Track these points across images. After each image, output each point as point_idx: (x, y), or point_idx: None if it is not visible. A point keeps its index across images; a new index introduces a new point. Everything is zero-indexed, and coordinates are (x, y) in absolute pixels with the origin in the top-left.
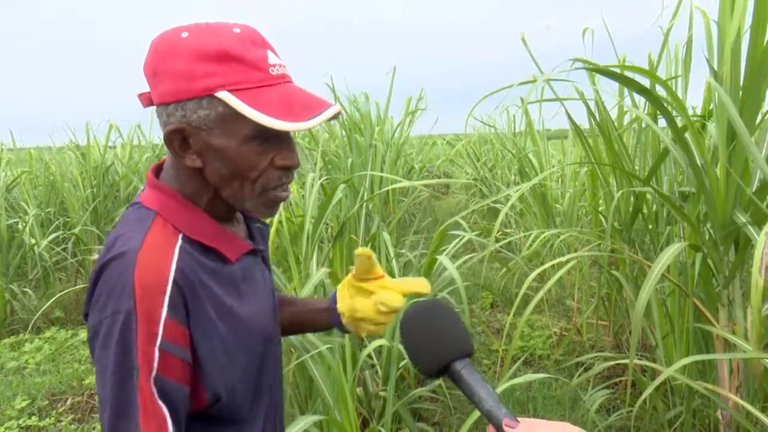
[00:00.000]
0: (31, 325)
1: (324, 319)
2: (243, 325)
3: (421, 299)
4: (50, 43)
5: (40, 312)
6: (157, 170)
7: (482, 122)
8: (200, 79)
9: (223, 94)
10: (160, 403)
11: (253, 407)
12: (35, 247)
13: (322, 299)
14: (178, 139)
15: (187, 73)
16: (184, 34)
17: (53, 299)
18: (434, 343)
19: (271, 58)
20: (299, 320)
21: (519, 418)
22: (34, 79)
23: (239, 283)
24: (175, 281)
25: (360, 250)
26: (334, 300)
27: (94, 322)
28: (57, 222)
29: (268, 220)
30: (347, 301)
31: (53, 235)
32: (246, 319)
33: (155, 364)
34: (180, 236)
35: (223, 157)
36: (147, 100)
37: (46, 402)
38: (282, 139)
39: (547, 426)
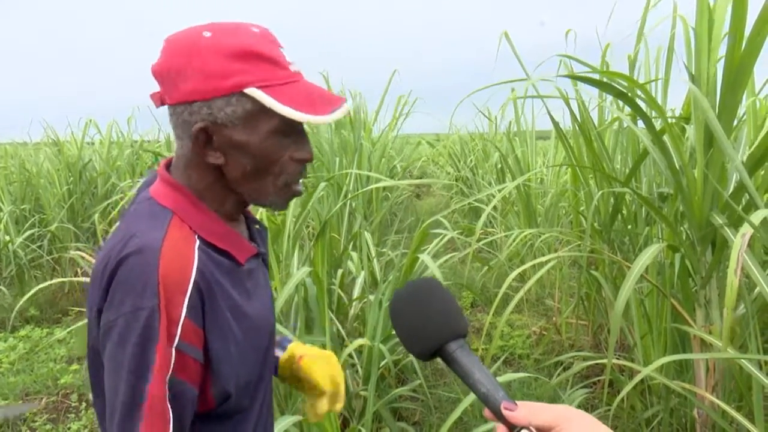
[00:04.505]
0: (8, 324)
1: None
2: (252, 325)
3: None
4: (28, 36)
5: (15, 311)
6: (167, 166)
7: (481, 112)
8: (231, 76)
9: (253, 91)
10: (169, 405)
11: (253, 399)
12: (10, 245)
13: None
14: (203, 136)
15: (216, 71)
16: (207, 34)
17: (28, 297)
18: (426, 324)
19: (288, 56)
20: None
21: (517, 402)
22: (10, 74)
23: (246, 283)
24: (195, 282)
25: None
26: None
27: (109, 318)
28: (32, 219)
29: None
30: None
31: (28, 232)
32: (254, 318)
33: (172, 365)
34: (196, 236)
35: (247, 153)
36: (160, 99)
37: (20, 402)
38: (299, 134)
39: (548, 408)
